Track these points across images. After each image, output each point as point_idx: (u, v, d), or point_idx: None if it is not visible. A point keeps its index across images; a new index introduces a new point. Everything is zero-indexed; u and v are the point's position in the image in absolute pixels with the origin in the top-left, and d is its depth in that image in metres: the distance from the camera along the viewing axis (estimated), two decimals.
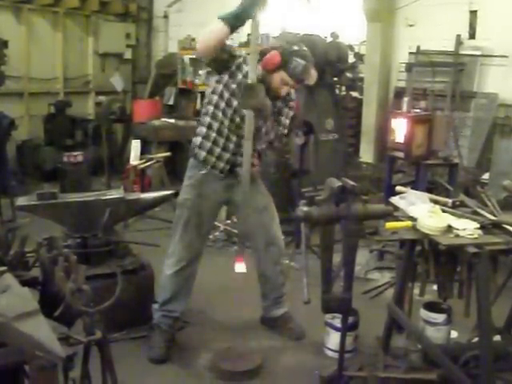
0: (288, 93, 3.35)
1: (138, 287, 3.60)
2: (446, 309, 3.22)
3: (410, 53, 6.57)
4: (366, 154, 6.94)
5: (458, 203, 3.02)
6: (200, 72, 8.44)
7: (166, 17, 9.64)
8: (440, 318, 3.20)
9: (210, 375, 3.24)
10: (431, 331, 3.18)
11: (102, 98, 8.73)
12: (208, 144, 3.31)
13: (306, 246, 3.17)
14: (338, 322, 3.26)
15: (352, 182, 2.52)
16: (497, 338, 3.04)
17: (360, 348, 3.46)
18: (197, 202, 3.36)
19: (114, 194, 3.79)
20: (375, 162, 6.80)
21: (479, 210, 2.89)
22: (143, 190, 6.10)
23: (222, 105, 3.24)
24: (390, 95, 7.03)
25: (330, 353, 3.43)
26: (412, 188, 3.62)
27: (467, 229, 2.64)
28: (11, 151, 7.23)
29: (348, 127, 6.72)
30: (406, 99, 5.30)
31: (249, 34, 3.09)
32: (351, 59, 6.56)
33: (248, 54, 3.12)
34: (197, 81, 8.45)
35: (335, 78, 6.18)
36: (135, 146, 6.51)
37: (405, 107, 5.26)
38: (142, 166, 6.51)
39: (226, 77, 3.22)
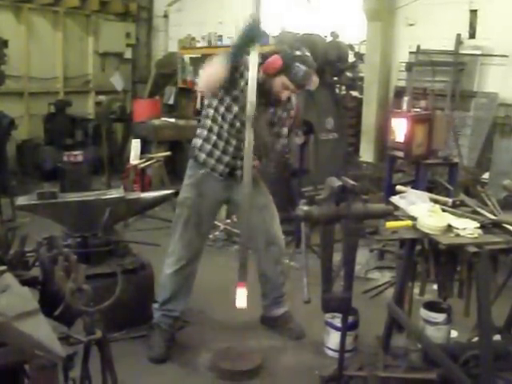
0: (289, 100, 3.35)
1: (138, 287, 3.60)
2: (446, 308, 3.22)
3: (410, 52, 6.56)
4: (366, 153, 6.93)
5: (458, 203, 3.02)
6: (200, 71, 8.43)
7: (166, 16, 9.65)
8: (440, 317, 3.20)
9: (210, 375, 3.24)
10: (431, 331, 3.18)
11: (102, 98, 8.74)
12: (208, 147, 3.32)
13: (306, 245, 3.17)
14: (338, 322, 3.26)
15: (352, 182, 2.52)
16: (497, 337, 3.04)
17: (360, 347, 3.46)
18: (197, 201, 3.36)
19: (114, 193, 3.79)
20: (375, 162, 6.79)
21: (479, 210, 2.89)
22: (143, 190, 6.10)
23: (222, 109, 3.25)
24: (390, 95, 7.02)
25: (330, 352, 3.43)
26: (412, 187, 3.63)
27: (467, 228, 2.64)
28: (11, 151, 7.24)
29: (348, 127, 6.72)
30: (406, 99, 5.30)
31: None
32: (351, 59, 6.55)
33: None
34: (197, 80, 8.43)
35: (335, 78, 6.17)
36: (135, 145, 6.51)
37: (405, 107, 5.26)
38: (142, 165, 6.52)
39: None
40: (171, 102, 8.95)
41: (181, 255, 3.39)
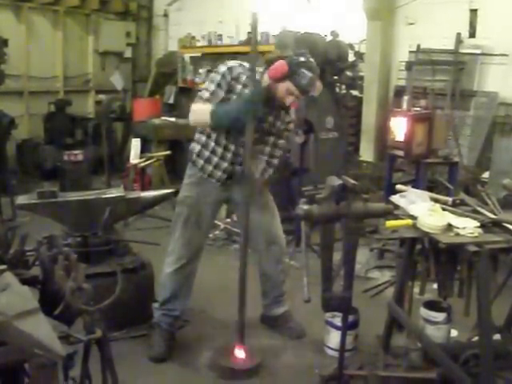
0: (287, 112, 3.36)
1: (138, 286, 3.60)
2: (446, 307, 3.22)
3: (410, 51, 6.57)
4: (366, 152, 6.94)
5: (458, 202, 3.02)
6: (200, 71, 8.45)
7: (166, 15, 9.65)
8: (440, 316, 3.20)
9: (210, 374, 3.24)
10: (431, 330, 3.18)
11: (102, 97, 8.73)
12: (206, 153, 3.33)
13: (306, 244, 3.17)
14: (338, 321, 3.26)
15: (352, 181, 2.52)
16: (497, 336, 3.04)
17: (360, 347, 3.46)
18: (196, 200, 3.36)
19: (114, 192, 3.79)
20: (375, 161, 6.80)
21: (479, 209, 2.89)
22: (143, 189, 6.12)
23: None
24: (390, 94, 7.02)
25: (330, 351, 3.43)
26: (412, 186, 3.62)
27: (467, 227, 2.64)
28: (11, 150, 7.24)
29: (348, 126, 6.72)
30: (406, 98, 5.31)
31: (249, 33, 3.07)
32: (351, 58, 6.56)
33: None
34: (197, 79, 8.45)
35: (335, 77, 6.17)
36: (135, 144, 6.51)
37: (405, 106, 5.27)
38: (142, 164, 6.52)
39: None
40: (171, 101, 8.95)
41: (181, 254, 3.39)
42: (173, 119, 7.81)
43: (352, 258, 2.58)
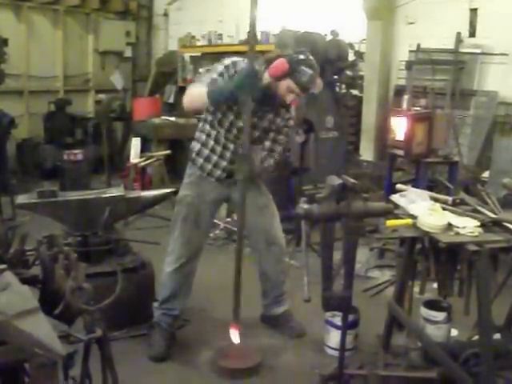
0: (288, 109, 3.36)
1: (138, 285, 3.60)
2: (446, 307, 3.22)
3: (410, 51, 6.57)
4: (367, 151, 6.94)
5: (458, 201, 3.02)
6: (200, 70, 8.44)
7: (165, 15, 9.65)
8: (440, 316, 3.20)
9: (210, 373, 3.24)
10: (431, 329, 3.18)
11: (102, 96, 8.73)
12: (206, 152, 3.33)
13: (306, 244, 3.16)
14: (338, 320, 3.26)
15: (352, 180, 2.52)
16: (497, 336, 3.04)
17: (360, 346, 3.46)
18: (196, 199, 3.36)
19: (114, 192, 3.79)
20: (375, 160, 6.80)
21: (479, 208, 2.89)
22: (143, 188, 6.11)
23: (219, 115, 3.25)
24: (390, 93, 7.03)
25: (330, 351, 3.43)
26: (412, 186, 3.63)
27: (467, 227, 2.64)
28: (11, 149, 7.24)
29: (348, 125, 6.72)
30: (406, 97, 5.31)
31: (248, 32, 3.07)
32: (351, 57, 6.57)
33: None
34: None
35: (335, 76, 6.18)
36: (135, 144, 6.52)
37: (405, 105, 5.27)
38: (142, 164, 6.52)
39: None
40: (171, 100, 8.95)
41: (180, 253, 3.39)
42: (173, 119, 7.80)
43: (352, 257, 2.58)
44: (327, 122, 5.97)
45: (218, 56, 7.77)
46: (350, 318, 3.06)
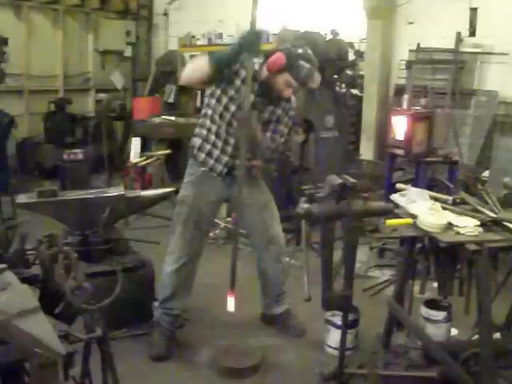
0: (288, 100, 3.35)
1: (138, 285, 3.59)
2: (446, 306, 3.22)
3: (410, 50, 6.57)
4: (366, 151, 6.94)
5: (458, 201, 3.02)
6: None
7: (165, 14, 9.65)
8: (440, 315, 3.20)
9: (210, 372, 3.24)
10: (431, 328, 3.19)
11: (102, 96, 8.74)
12: (208, 146, 3.32)
13: (306, 243, 3.17)
14: (338, 320, 3.26)
15: (352, 180, 2.52)
16: (497, 335, 3.04)
17: (360, 345, 3.46)
18: (196, 199, 3.36)
19: (115, 191, 3.79)
20: (375, 160, 6.80)
21: (479, 208, 2.89)
22: (143, 188, 6.10)
23: (220, 109, 3.24)
24: (390, 93, 7.03)
25: (330, 350, 3.43)
26: (412, 185, 3.63)
27: (467, 226, 2.64)
28: (11, 149, 7.23)
29: (348, 125, 6.72)
30: (406, 97, 5.30)
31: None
32: (351, 57, 6.56)
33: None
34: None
35: (335, 76, 6.17)
36: (135, 143, 6.52)
37: (405, 105, 5.26)
38: (143, 163, 6.52)
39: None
40: (171, 100, 8.94)
41: (181, 254, 3.39)
42: (173, 118, 7.80)
43: (352, 256, 2.58)
44: (327, 122, 5.97)
45: None
46: (350, 317, 3.06)
